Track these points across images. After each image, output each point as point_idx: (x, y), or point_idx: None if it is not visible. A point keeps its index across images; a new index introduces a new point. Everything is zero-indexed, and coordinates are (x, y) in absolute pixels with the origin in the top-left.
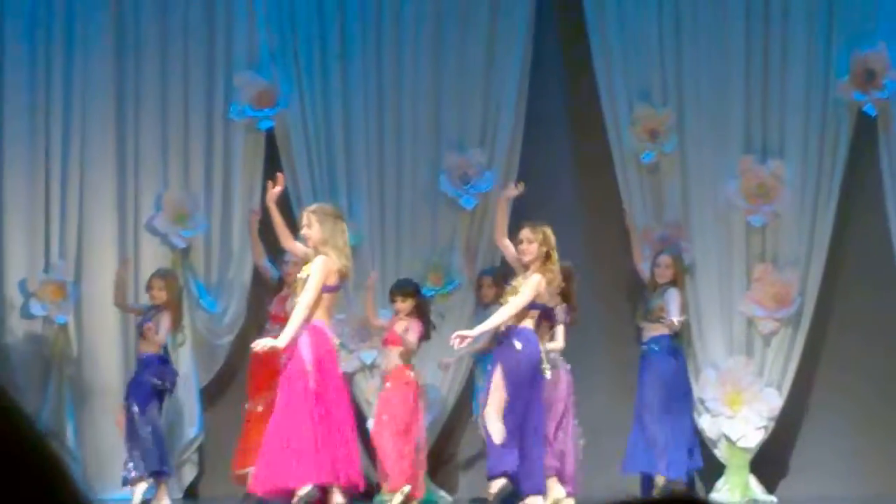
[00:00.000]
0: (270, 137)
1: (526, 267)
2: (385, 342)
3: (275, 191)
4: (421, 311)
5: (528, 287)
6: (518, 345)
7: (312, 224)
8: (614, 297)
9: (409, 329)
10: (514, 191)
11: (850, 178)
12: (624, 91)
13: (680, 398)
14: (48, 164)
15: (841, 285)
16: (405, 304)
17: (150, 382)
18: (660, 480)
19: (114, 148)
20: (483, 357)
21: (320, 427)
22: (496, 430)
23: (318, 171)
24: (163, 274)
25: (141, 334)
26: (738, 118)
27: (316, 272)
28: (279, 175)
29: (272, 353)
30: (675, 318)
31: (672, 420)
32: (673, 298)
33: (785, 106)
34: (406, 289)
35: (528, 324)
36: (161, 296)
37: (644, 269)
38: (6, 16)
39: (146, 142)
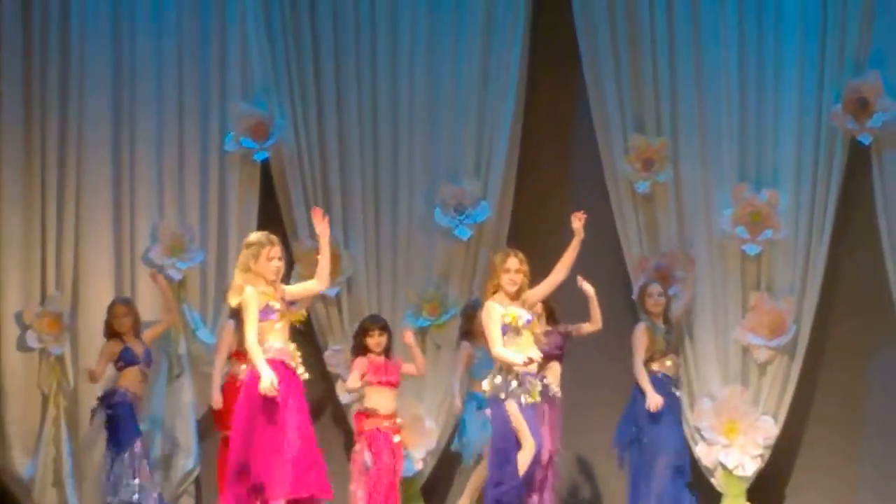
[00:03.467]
0: (266, 169)
1: (513, 297)
2: (393, 384)
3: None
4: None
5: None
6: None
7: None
8: (610, 327)
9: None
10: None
11: (843, 205)
12: (618, 121)
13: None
14: (44, 196)
15: (836, 313)
16: (383, 339)
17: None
18: None
19: (110, 180)
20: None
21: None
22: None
23: (314, 202)
24: (125, 301)
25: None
26: (733, 147)
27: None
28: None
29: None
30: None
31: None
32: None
33: (779, 134)
34: (383, 322)
35: None
36: (127, 322)
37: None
38: (3, 46)
39: (142, 174)
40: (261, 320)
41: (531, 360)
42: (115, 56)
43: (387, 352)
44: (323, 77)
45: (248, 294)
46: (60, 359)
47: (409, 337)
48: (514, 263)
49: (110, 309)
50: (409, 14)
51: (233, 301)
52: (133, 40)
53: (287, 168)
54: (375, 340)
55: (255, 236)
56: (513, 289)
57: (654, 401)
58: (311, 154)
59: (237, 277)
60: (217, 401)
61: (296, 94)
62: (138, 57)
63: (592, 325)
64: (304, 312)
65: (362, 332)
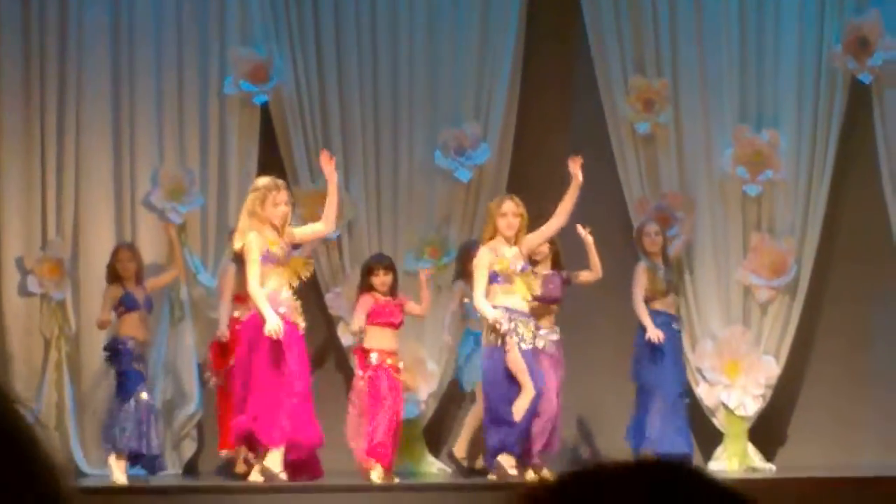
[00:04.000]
0: (266, 112)
1: (511, 241)
2: (394, 325)
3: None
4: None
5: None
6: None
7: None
8: (611, 270)
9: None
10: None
11: (844, 145)
12: (618, 62)
13: (679, 376)
14: (44, 141)
15: (837, 253)
16: (388, 278)
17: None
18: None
19: (109, 124)
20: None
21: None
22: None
23: (314, 145)
24: (130, 245)
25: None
26: (733, 87)
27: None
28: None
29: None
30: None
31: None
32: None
33: (779, 74)
34: (388, 261)
35: None
36: (131, 267)
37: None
38: None
39: (141, 118)
40: (261, 265)
41: (498, 322)
42: (114, 0)
43: (392, 291)
44: (322, 18)
45: (251, 239)
46: (62, 304)
47: (426, 275)
48: (511, 207)
49: (115, 253)
50: None
51: (237, 244)
52: None
53: (287, 111)
54: (380, 279)
55: (262, 181)
56: (510, 233)
57: (654, 333)
58: (311, 97)
59: (242, 221)
60: (224, 333)
61: (295, 37)
62: (137, 1)
63: (592, 273)
64: (306, 270)
65: (367, 271)
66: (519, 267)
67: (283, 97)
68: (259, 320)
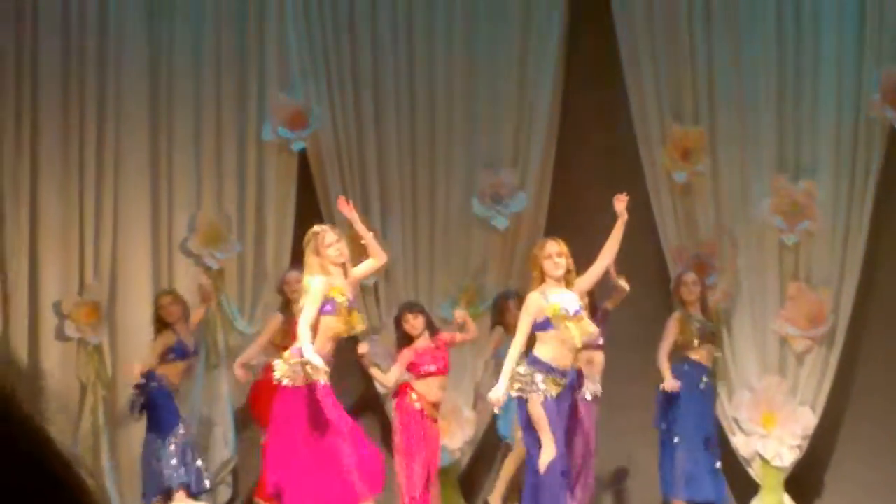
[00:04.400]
0: (303, 158)
1: (561, 281)
2: (441, 372)
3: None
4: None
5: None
6: None
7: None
8: (648, 317)
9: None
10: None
11: (882, 195)
12: (656, 111)
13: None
14: (82, 186)
15: (875, 303)
16: (419, 321)
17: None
18: None
19: (147, 169)
20: None
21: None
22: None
23: (351, 192)
24: (170, 291)
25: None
26: (770, 137)
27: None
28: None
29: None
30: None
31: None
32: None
33: (817, 124)
34: (417, 306)
35: None
36: (176, 311)
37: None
38: (40, 38)
39: (179, 163)
40: (320, 313)
41: (495, 402)
42: (153, 46)
43: (430, 331)
44: (360, 64)
45: (318, 284)
46: (99, 348)
47: (461, 316)
48: (554, 247)
49: (157, 301)
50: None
51: (302, 300)
52: (171, 30)
53: (325, 157)
54: (411, 324)
55: (308, 233)
56: (559, 272)
57: (669, 384)
58: (349, 143)
59: (306, 279)
60: (240, 373)
61: (333, 83)
62: (176, 47)
63: (619, 292)
64: (361, 324)
65: (398, 321)
66: (573, 310)
67: (320, 143)
68: (296, 392)
